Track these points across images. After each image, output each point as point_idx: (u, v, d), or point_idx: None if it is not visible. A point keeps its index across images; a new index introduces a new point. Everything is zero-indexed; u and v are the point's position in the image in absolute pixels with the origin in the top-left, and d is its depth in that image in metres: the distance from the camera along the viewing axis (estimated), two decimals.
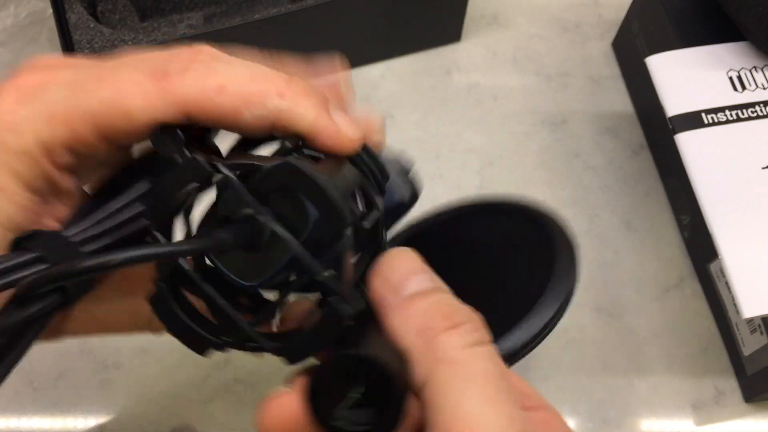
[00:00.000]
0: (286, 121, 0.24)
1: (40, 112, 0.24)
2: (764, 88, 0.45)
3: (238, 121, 0.24)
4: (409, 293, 0.22)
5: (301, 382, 0.21)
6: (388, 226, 0.30)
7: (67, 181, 0.25)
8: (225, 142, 0.26)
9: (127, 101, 0.23)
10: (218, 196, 0.23)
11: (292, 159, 0.22)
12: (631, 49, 0.54)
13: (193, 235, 0.24)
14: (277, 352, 0.23)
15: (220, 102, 0.24)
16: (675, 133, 0.44)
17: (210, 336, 0.24)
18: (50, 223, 0.25)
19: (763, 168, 0.42)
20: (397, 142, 0.41)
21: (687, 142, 0.43)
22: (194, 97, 0.23)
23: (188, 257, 0.23)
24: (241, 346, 0.24)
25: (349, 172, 0.25)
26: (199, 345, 0.24)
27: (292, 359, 0.23)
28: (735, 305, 0.41)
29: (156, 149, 0.23)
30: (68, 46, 0.51)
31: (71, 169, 0.25)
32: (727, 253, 0.40)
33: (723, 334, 0.48)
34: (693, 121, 0.44)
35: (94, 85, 0.24)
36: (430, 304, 0.22)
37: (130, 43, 0.51)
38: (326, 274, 0.22)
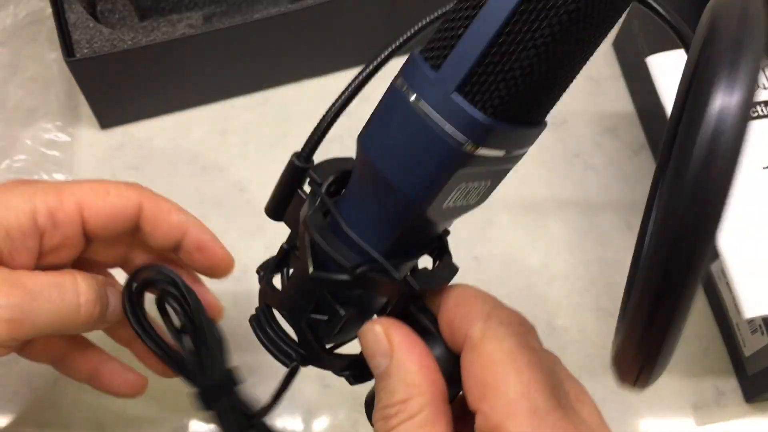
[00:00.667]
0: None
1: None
2: (765, 88, 0.45)
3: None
4: (375, 371, 0.27)
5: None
6: None
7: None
8: None
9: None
10: None
11: None
12: (632, 49, 0.54)
13: None
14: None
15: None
16: None
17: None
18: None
19: (764, 168, 0.42)
20: None
21: None
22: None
23: None
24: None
25: None
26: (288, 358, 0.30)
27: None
28: (736, 306, 0.41)
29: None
30: (68, 45, 0.51)
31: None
32: (728, 253, 0.40)
33: (724, 334, 0.48)
34: None
35: None
36: (379, 391, 0.27)
37: (129, 42, 0.51)
38: None
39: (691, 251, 0.17)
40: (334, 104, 0.28)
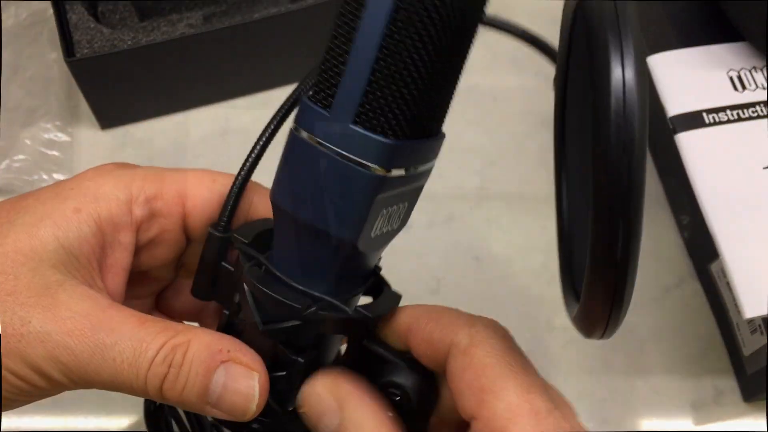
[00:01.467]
0: None
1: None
2: (764, 88, 0.45)
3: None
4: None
5: None
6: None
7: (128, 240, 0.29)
8: None
9: None
10: None
11: None
12: None
13: None
14: None
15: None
16: (675, 132, 0.44)
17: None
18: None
19: (764, 168, 0.42)
20: None
21: (687, 141, 0.43)
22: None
23: None
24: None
25: None
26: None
27: None
28: (736, 305, 0.41)
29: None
30: (68, 46, 0.51)
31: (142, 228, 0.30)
32: (728, 253, 0.40)
33: (723, 334, 0.48)
34: (693, 120, 0.44)
35: None
36: None
37: (129, 42, 0.51)
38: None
39: (628, 175, 0.19)
40: (241, 169, 0.30)
